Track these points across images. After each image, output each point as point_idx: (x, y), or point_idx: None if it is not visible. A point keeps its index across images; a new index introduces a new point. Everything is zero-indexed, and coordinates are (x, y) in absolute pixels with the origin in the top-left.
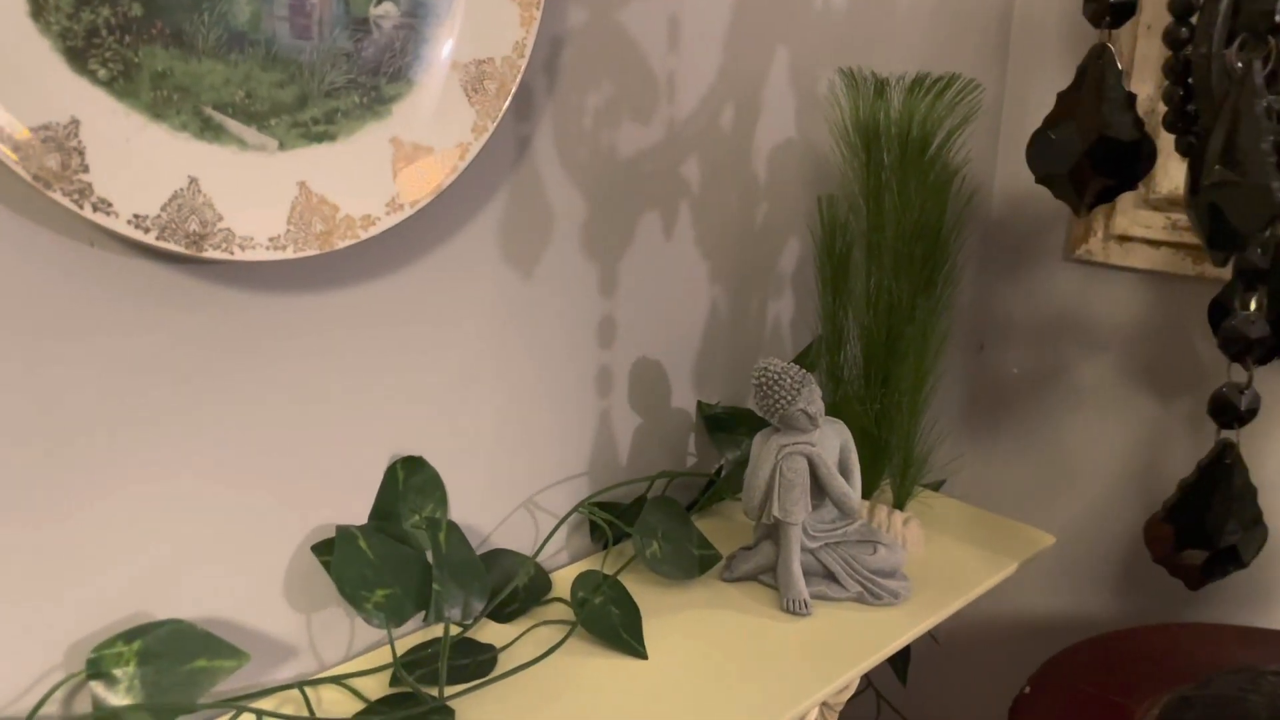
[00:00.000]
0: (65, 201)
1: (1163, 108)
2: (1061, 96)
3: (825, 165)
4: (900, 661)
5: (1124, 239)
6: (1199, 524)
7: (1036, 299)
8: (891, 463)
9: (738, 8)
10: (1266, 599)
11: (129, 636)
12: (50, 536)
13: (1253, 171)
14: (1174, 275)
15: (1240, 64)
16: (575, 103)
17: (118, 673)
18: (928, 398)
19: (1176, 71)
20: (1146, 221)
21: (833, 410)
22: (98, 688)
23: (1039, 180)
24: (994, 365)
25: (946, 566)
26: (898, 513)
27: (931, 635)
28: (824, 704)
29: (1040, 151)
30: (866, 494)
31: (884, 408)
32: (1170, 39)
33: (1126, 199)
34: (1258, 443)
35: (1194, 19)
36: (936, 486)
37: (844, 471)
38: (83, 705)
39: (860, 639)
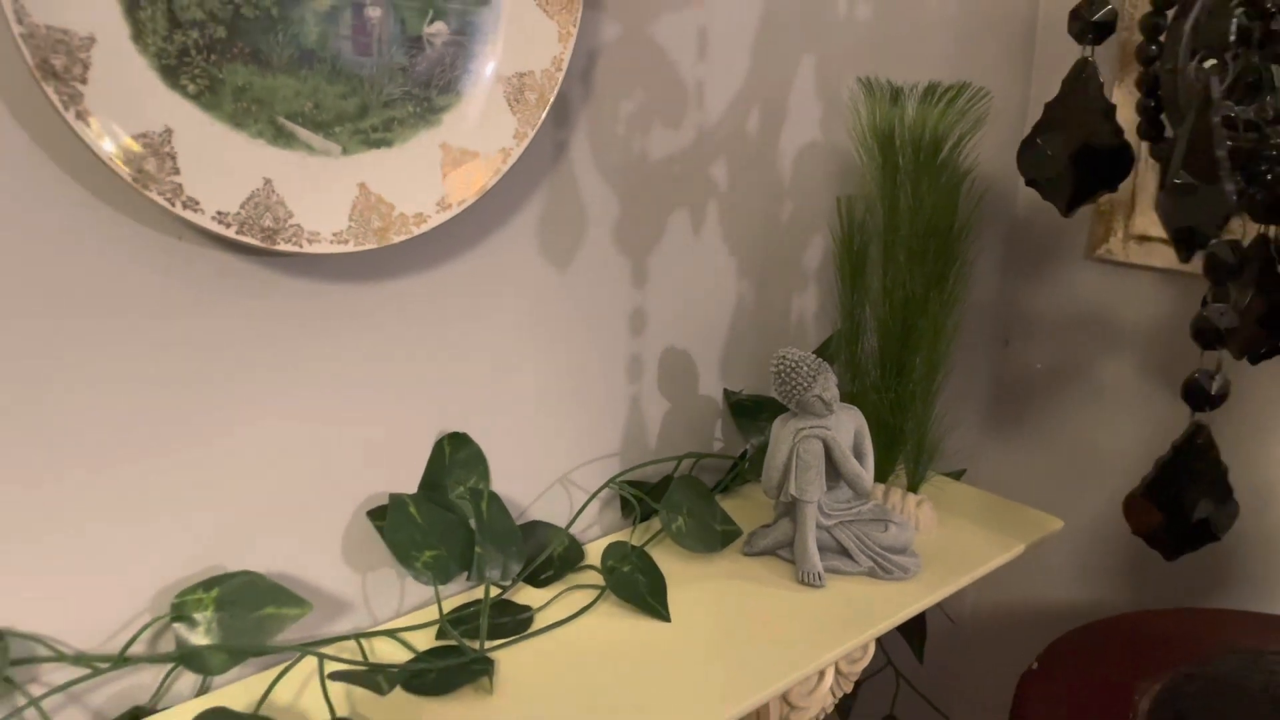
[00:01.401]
0: (160, 200)
1: None
2: (1048, 106)
3: (849, 166)
4: (918, 640)
5: (1143, 239)
6: (1174, 500)
7: (1059, 297)
8: (906, 448)
9: (765, 18)
10: (1271, 586)
11: (208, 585)
12: (139, 495)
13: (1210, 176)
14: (1192, 274)
15: (1199, 78)
16: (609, 109)
17: (198, 616)
18: (940, 387)
19: (1148, 85)
20: None
21: (851, 398)
22: (180, 629)
23: (1028, 183)
24: (1018, 360)
25: (957, 546)
26: (911, 495)
27: (948, 615)
28: (839, 673)
29: (1029, 157)
30: (882, 477)
31: (898, 396)
32: (1141, 56)
33: (1146, 201)
34: (1243, 430)
35: (1162, 38)
36: (958, 475)
37: (858, 455)
38: (166, 644)
39: (870, 609)
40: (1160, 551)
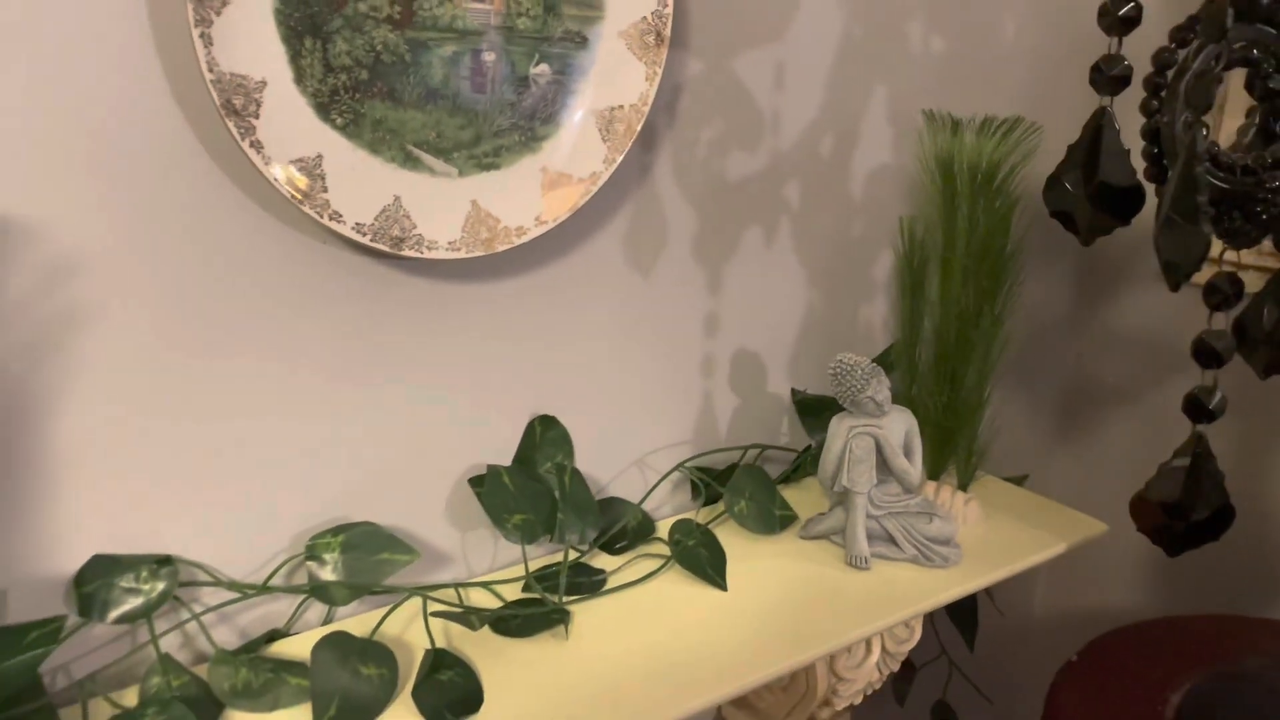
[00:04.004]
0: (312, 213)
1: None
2: (1070, 148)
3: (917, 188)
4: (969, 631)
5: (1216, 262)
6: (1175, 502)
7: (1133, 315)
8: (957, 449)
9: (841, 52)
10: None
11: (335, 531)
12: (285, 452)
13: (1192, 218)
14: None
15: (1185, 133)
16: (691, 136)
17: (326, 557)
18: (990, 395)
19: (1150, 134)
20: None
21: (907, 401)
22: (312, 566)
23: (1052, 215)
24: (1091, 374)
25: (1000, 542)
26: (960, 493)
27: (999, 609)
28: (886, 651)
29: (1054, 192)
30: (934, 475)
31: (950, 401)
32: (1144, 109)
33: None
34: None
35: (1163, 94)
36: (1020, 480)
37: (907, 452)
38: (299, 579)
39: (911, 592)
40: (1163, 548)
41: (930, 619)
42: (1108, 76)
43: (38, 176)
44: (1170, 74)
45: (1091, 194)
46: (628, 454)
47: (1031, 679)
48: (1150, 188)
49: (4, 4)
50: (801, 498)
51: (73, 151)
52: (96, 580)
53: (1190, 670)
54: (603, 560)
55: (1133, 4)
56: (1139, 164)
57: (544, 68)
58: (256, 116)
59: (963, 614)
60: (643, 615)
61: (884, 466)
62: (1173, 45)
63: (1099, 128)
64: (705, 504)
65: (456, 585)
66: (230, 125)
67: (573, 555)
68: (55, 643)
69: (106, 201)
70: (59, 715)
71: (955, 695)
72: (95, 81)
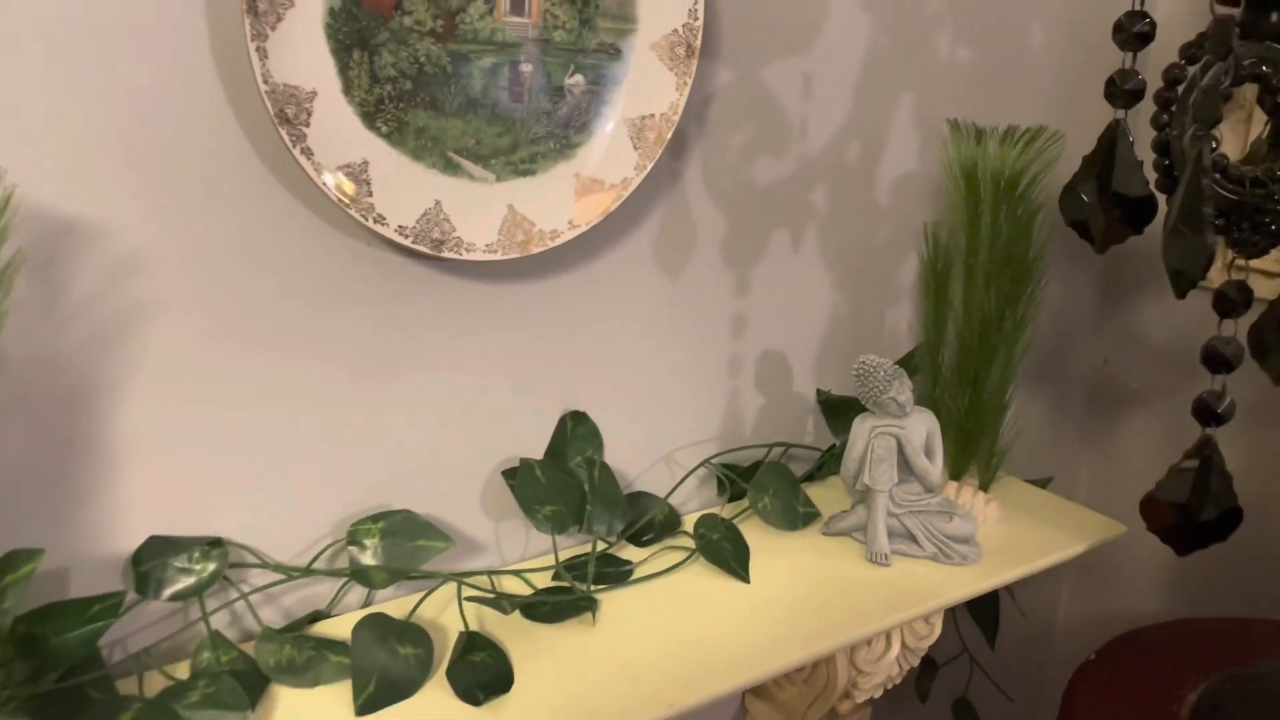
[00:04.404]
0: (358, 216)
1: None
2: (1085, 159)
3: (941, 194)
4: (990, 630)
5: (1240, 269)
6: (1184, 503)
7: (1158, 321)
8: (978, 451)
9: (868, 62)
10: None
11: (375, 518)
12: (328, 443)
13: (1198, 228)
14: None
15: (1192, 147)
16: (720, 143)
17: (367, 542)
18: (1012, 397)
19: (1161, 147)
20: None
21: (930, 403)
22: (353, 551)
23: (1068, 223)
24: (1116, 379)
25: (1019, 542)
26: (981, 493)
27: (1020, 610)
28: (905, 646)
29: (1069, 201)
30: (956, 476)
31: (972, 404)
32: (1155, 123)
33: None
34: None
35: (1173, 109)
36: (1044, 483)
37: (928, 453)
38: (340, 563)
39: (929, 588)
40: (1172, 547)
41: (952, 617)
42: (1122, 90)
43: (103, 181)
44: (1180, 89)
45: (1105, 204)
46: (656, 450)
47: (1054, 678)
48: (1162, 198)
49: (75, 22)
50: (825, 495)
51: (135, 158)
52: (152, 560)
53: (1207, 671)
54: (630, 552)
55: (1147, 20)
56: (1151, 175)
57: (579, 78)
58: (307, 125)
59: (984, 612)
60: (667, 605)
61: (905, 466)
62: (1182, 61)
63: (1113, 139)
64: (730, 500)
65: (490, 572)
66: (283, 133)
67: (601, 546)
68: (115, 616)
69: (164, 204)
70: (116, 685)
71: (977, 693)
72: (158, 93)
